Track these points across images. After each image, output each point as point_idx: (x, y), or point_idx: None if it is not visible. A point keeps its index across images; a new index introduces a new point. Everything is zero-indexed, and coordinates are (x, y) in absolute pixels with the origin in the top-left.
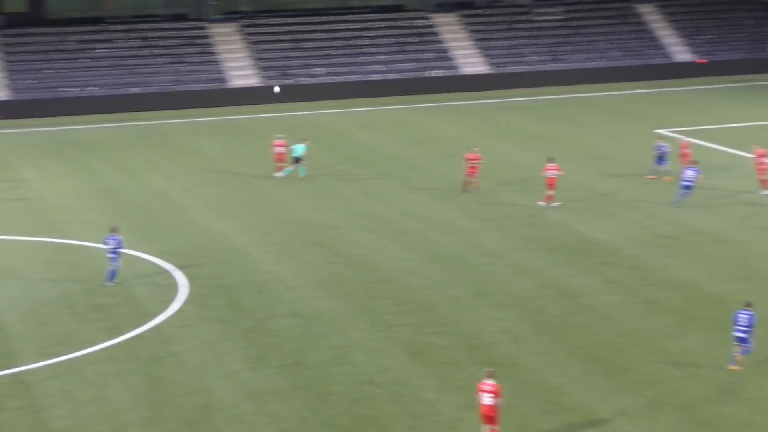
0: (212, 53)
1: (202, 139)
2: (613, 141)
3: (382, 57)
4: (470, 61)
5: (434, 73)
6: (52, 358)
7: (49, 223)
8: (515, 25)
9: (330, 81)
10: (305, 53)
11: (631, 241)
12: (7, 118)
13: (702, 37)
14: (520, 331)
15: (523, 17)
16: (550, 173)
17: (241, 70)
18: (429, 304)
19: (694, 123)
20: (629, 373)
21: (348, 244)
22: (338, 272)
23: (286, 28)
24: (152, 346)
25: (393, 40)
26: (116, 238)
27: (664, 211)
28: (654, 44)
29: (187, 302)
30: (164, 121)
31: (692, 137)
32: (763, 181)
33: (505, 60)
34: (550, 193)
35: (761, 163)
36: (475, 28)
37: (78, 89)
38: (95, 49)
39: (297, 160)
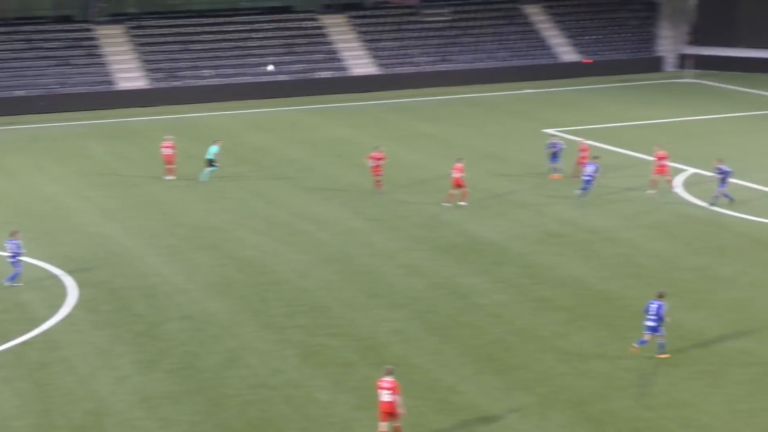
0: (99, 55)
1: (89, 142)
2: (503, 141)
3: (271, 58)
4: (359, 62)
5: (324, 74)
6: None
7: None
8: (404, 26)
9: (219, 82)
10: (193, 55)
11: (521, 240)
12: None
13: (587, 37)
14: (412, 331)
15: (412, 18)
16: (456, 173)
17: (128, 72)
18: (321, 306)
19: (581, 122)
20: (521, 371)
21: (239, 247)
22: (230, 275)
23: (174, 30)
24: (41, 352)
25: (282, 41)
26: (15, 242)
27: (554, 210)
28: (541, 45)
29: (76, 307)
30: (51, 124)
31: (580, 136)
32: (654, 181)
33: (394, 61)
34: (453, 192)
35: (661, 165)
36: (363, 29)
37: None
38: None
39: (210, 162)
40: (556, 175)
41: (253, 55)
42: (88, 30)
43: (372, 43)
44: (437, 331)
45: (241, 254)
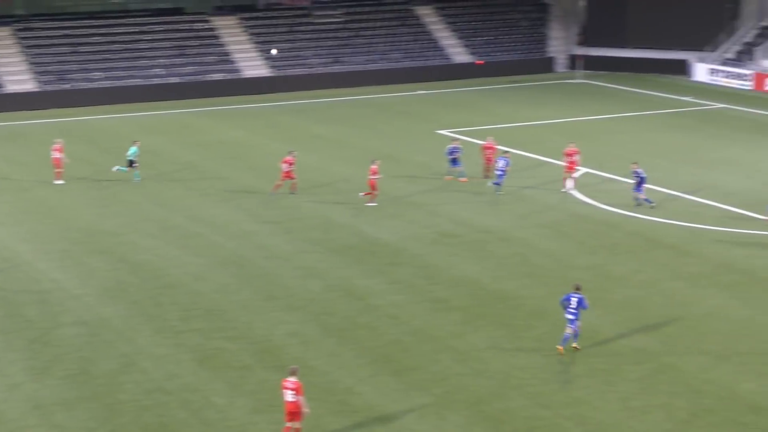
0: None
1: None
2: (397, 142)
3: (162, 60)
4: (252, 64)
5: (216, 77)
6: None
7: None
8: (296, 28)
9: (109, 85)
10: (83, 57)
11: (416, 240)
12: None
13: (479, 38)
14: (309, 333)
15: (304, 20)
16: (371, 175)
17: (16, 75)
18: (217, 309)
19: (474, 123)
20: (418, 372)
21: (133, 251)
22: (124, 279)
23: (63, 32)
24: None
25: (173, 43)
26: None
27: (448, 211)
28: (433, 46)
29: None
30: None
31: (473, 137)
32: (567, 178)
33: (286, 62)
34: (372, 192)
35: (571, 161)
36: (255, 30)
37: None
38: None
39: (131, 162)
40: (461, 178)
41: (144, 58)
42: None
43: (264, 44)
44: (334, 332)
45: (135, 258)
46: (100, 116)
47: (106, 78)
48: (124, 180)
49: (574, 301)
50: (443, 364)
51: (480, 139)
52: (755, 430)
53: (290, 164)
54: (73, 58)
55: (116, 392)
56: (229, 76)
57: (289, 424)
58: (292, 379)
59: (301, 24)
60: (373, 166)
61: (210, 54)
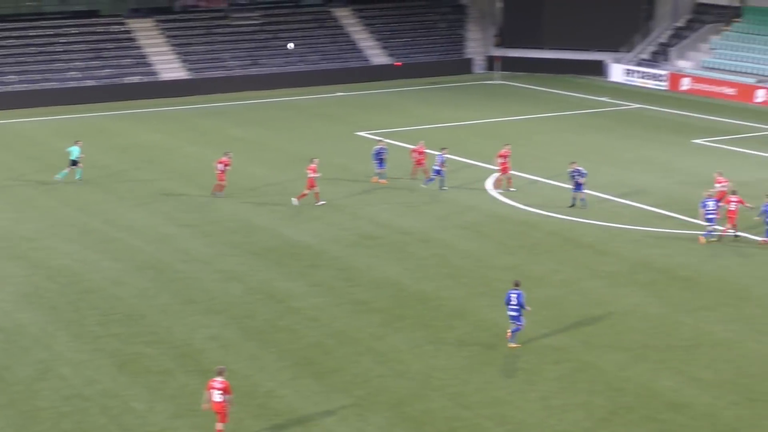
0: None
1: None
2: (316, 144)
3: (78, 63)
4: (169, 67)
5: (132, 79)
6: None
7: None
8: (213, 30)
9: (24, 88)
10: None
11: (336, 242)
12: None
13: (397, 40)
14: (229, 337)
15: (221, 22)
16: (310, 173)
17: None
18: (136, 314)
19: (393, 125)
20: (339, 374)
21: (50, 256)
22: (41, 284)
23: None
24: None
25: (89, 46)
26: None
27: (369, 213)
28: (352, 48)
29: None
30: None
31: (392, 139)
32: (500, 180)
33: (204, 65)
34: (307, 192)
35: (503, 163)
36: (172, 33)
37: None
38: None
39: (74, 162)
40: (382, 180)
41: (59, 60)
42: None
43: (181, 47)
44: (254, 336)
45: (52, 263)
46: (15, 120)
47: (21, 81)
48: (38, 184)
49: (513, 297)
50: (364, 366)
51: (400, 141)
52: (672, 427)
53: (225, 165)
54: None
55: (33, 399)
56: (145, 79)
57: (221, 425)
58: (220, 379)
59: (218, 26)
60: (312, 165)
61: (126, 57)
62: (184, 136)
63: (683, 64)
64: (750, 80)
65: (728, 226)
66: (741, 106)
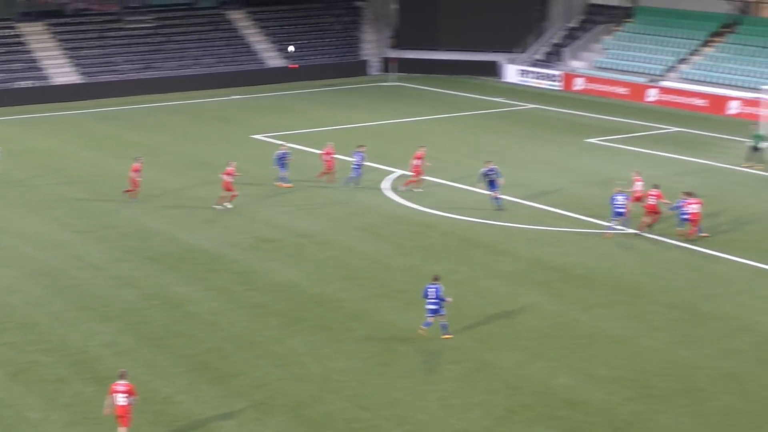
0: None
1: None
2: (211, 148)
3: None
4: (61, 71)
5: (24, 84)
6: None
7: None
8: (106, 34)
9: None
10: None
11: (233, 246)
12: None
13: (293, 42)
14: (125, 343)
15: (114, 25)
16: (227, 177)
17: None
18: (29, 322)
19: (290, 127)
20: (238, 378)
21: None
22: None
23: None
24: None
25: None
26: None
27: (265, 216)
28: (247, 50)
29: None
30: None
31: (289, 141)
32: (412, 181)
33: (97, 69)
34: (225, 195)
35: (417, 165)
36: (64, 37)
37: None
38: None
39: None
40: (286, 184)
41: None
42: None
43: (73, 51)
44: (151, 341)
45: None
46: None
47: None
48: None
49: (432, 291)
50: (263, 370)
51: (299, 144)
52: (569, 424)
53: (136, 171)
54: None
55: None
56: (37, 84)
57: (124, 429)
58: (123, 381)
59: (111, 30)
60: (229, 168)
61: (17, 61)
62: (77, 141)
63: (576, 65)
64: (642, 80)
65: (647, 220)
66: (633, 106)
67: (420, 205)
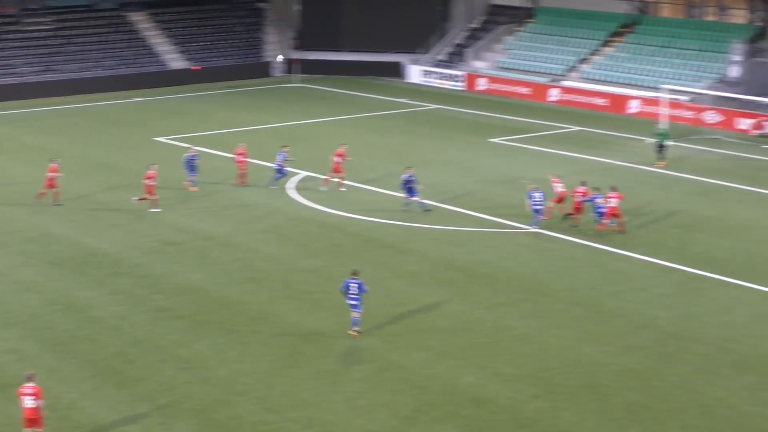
0: None
1: None
2: (114, 151)
3: None
4: None
5: None
6: None
7: None
8: (4, 36)
9: None
10: None
11: (136, 249)
12: None
13: (195, 44)
14: (27, 349)
15: (13, 27)
16: (148, 181)
17: None
18: None
19: (193, 129)
20: (143, 383)
21: None
22: None
23: None
24: None
25: None
26: None
27: (169, 219)
28: (148, 52)
29: None
30: None
31: (192, 143)
32: (336, 181)
33: None
34: (147, 196)
35: (338, 164)
36: None
37: None
38: None
39: None
40: (193, 187)
41: None
42: None
43: None
44: (54, 347)
45: None
46: None
47: None
48: None
49: (353, 286)
50: (168, 374)
51: (201, 146)
52: (475, 422)
53: (53, 172)
54: None
55: None
56: None
57: (29, 431)
58: (30, 384)
59: (9, 32)
60: (150, 172)
61: None
62: None
63: (479, 65)
64: (543, 79)
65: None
66: (535, 105)
67: (325, 206)
